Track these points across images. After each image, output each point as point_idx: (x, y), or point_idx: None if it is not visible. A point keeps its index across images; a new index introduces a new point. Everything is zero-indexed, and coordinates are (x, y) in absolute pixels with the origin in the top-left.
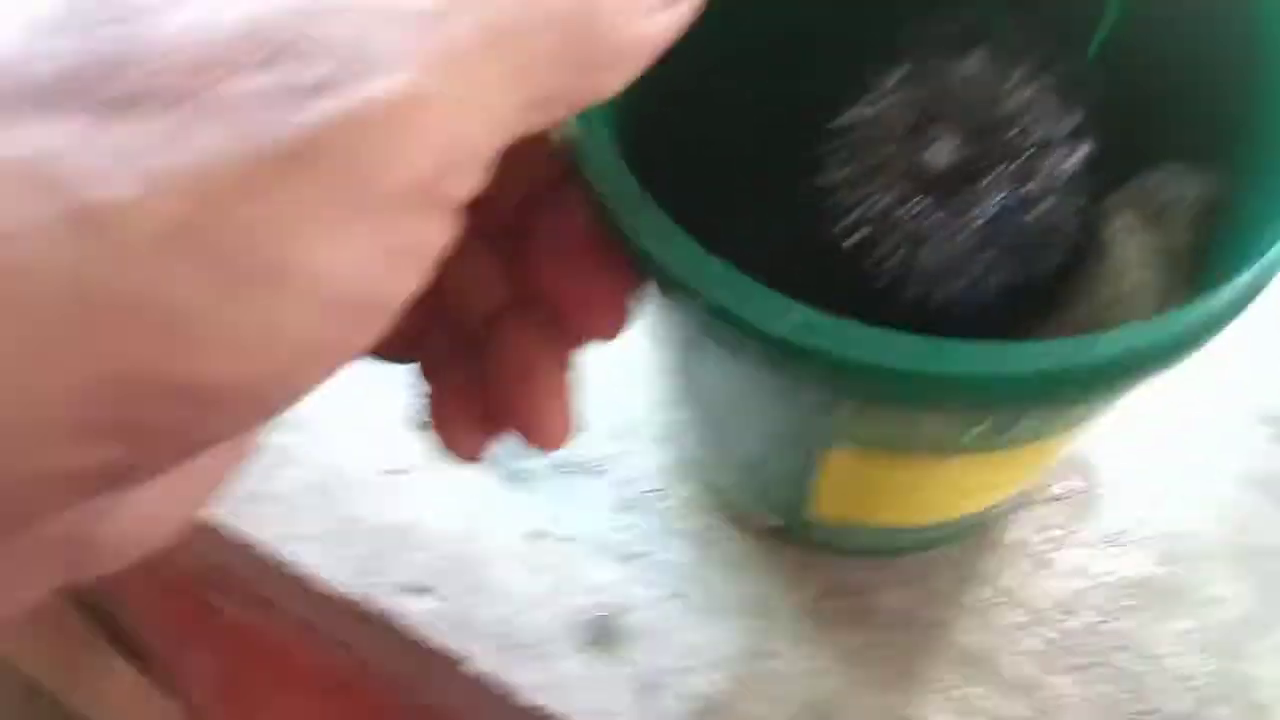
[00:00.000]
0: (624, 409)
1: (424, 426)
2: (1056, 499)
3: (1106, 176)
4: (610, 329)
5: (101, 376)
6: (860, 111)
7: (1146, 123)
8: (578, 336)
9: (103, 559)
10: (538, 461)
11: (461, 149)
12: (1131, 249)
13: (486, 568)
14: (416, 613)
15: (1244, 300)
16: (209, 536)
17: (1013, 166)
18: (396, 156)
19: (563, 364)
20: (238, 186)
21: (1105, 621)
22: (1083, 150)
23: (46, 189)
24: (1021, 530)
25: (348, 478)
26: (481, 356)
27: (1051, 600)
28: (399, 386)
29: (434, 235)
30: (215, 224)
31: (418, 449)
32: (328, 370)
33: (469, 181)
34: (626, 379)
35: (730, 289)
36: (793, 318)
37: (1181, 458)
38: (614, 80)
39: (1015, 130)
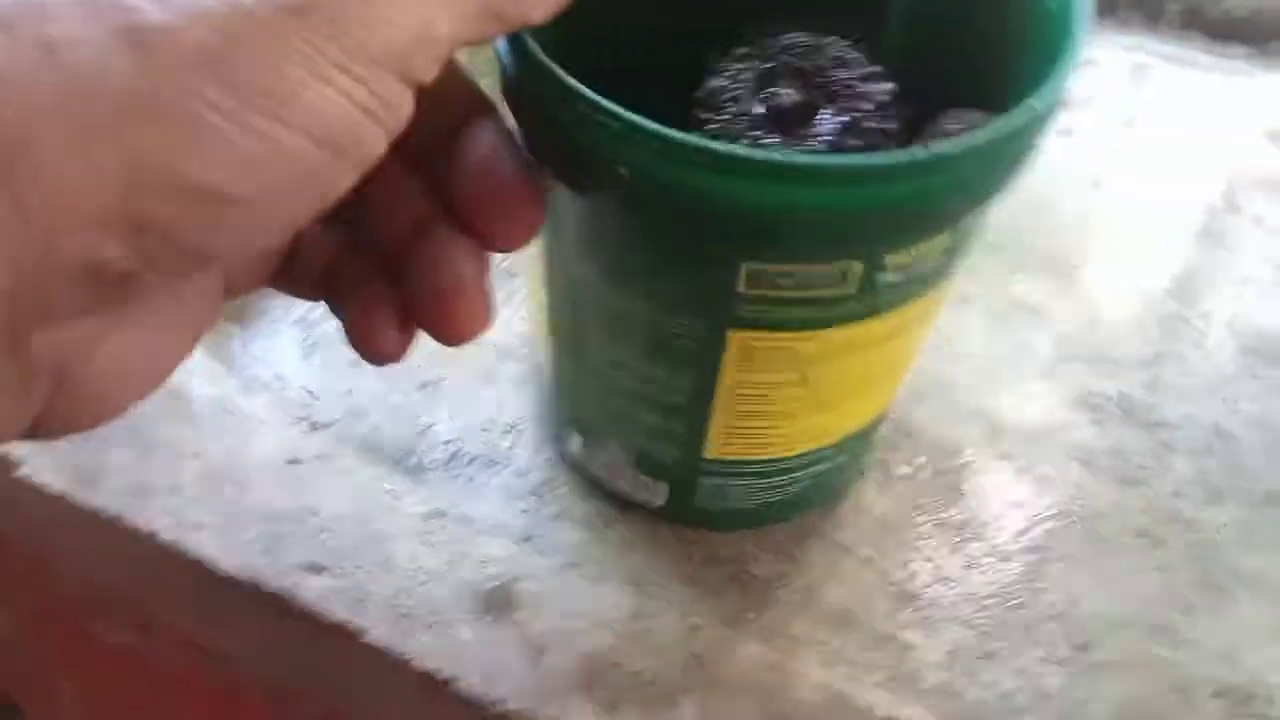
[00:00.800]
0: (520, 405)
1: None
2: (911, 476)
3: (912, 122)
4: (522, 236)
5: (131, 166)
6: (718, 80)
7: (939, 78)
8: (492, 243)
9: (77, 407)
10: (434, 454)
11: (430, 35)
12: None
13: (384, 546)
14: (314, 589)
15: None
16: (103, 532)
17: (837, 104)
18: (380, 26)
19: (479, 267)
20: (258, 29)
21: (952, 584)
22: (887, 88)
23: (109, 10)
24: (880, 505)
25: (244, 470)
26: (401, 270)
27: (904, 566)
28: (293, 385)
29: (402, 102)
30: (237, 56)
31: (314, 443)
32: (310, 201)
33: (431, 67)
34: (520, 376)
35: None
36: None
37: (1032, 435)
38: (547, 5)
39: (834, 78)
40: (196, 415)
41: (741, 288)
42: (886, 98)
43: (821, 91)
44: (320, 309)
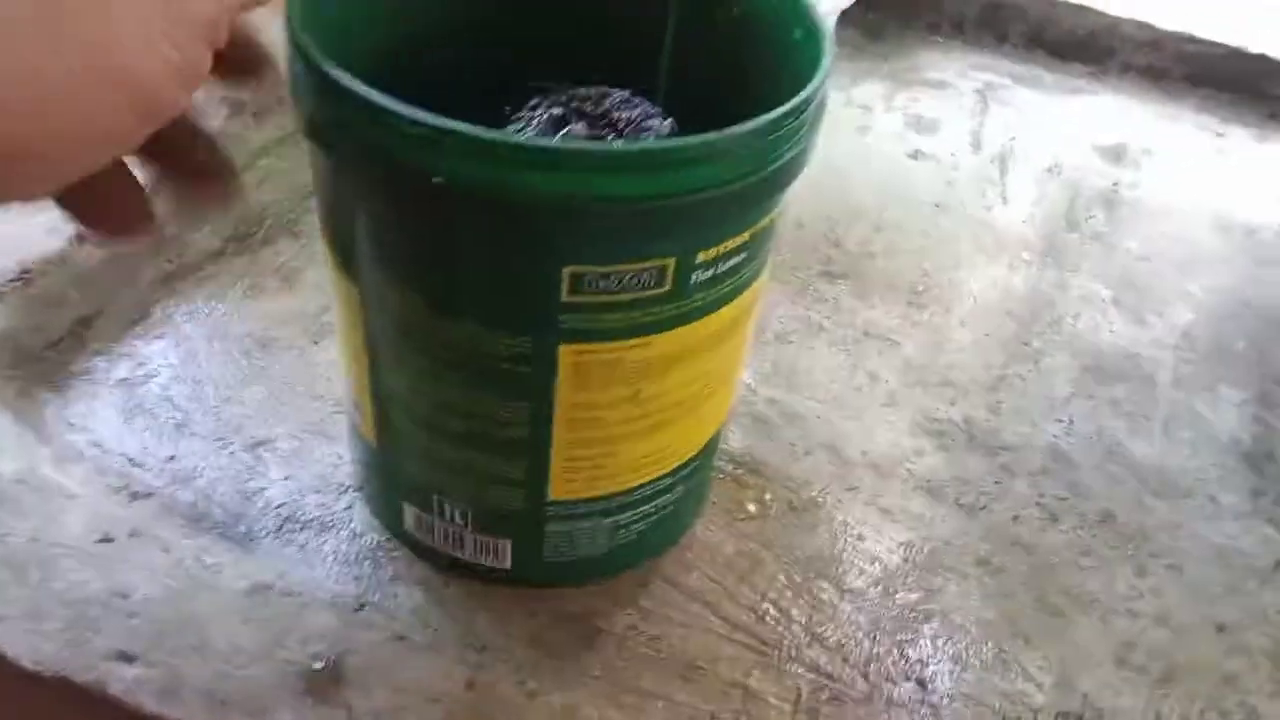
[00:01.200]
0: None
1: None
2: (759, 515)
3: None
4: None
5: None
6: (516, 125)
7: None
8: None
9: None
10: (265, 520)
11: (229, 2)
12: None
13: (201, 627)
14: (124, 680)
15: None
16: None
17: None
18: None
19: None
20: None
21: (799, 626)
22: (666, 124)
23: None
24: (729, 545)
25: (50, 552)
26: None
27: (752, 610)
28: (113, 453)
29: (205, 66)
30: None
31: (132, 515)
32: (104, 155)
33: (222, 34)
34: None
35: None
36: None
37: (880, 465)
38: None
39: (619, 119)
40: (3, 491)
41: (564, 295)
42: (666, 131)
43: (610, 130)
44: (145, 368)
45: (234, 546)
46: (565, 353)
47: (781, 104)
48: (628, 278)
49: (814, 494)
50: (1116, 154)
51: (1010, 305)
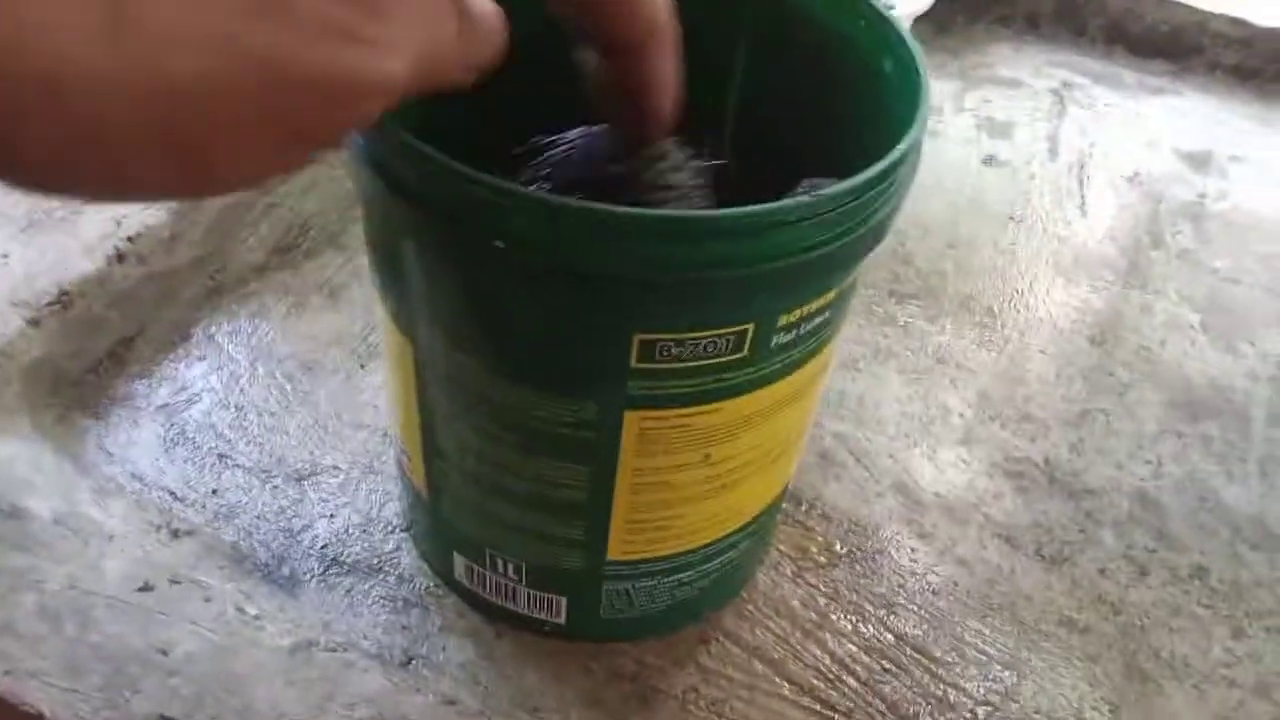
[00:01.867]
0: (403, 499)
1: None
2: (826, 564)
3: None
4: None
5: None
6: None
7: (796, 151)
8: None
9: None
10: (309, 562)
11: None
12: None
13: (244, 688)
14: None
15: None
16: None
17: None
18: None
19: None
20: None
21: (869, 684)
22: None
23: None
24: (793, 597)
25: (88, 601)
26: None
27: (818, 668)
28: (153, 487)
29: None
30: None
31: (172, 557)
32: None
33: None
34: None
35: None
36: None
37: (953, 508)
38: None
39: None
40: (37, 537)
41: (633, 361)
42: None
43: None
44: (187, 392)
45: (277, 591)
46: (631, 419)
47: (865, 141)
48: (703, 344)
49: (884, 540)
50: (1202, 161)
51: (1091, 330)
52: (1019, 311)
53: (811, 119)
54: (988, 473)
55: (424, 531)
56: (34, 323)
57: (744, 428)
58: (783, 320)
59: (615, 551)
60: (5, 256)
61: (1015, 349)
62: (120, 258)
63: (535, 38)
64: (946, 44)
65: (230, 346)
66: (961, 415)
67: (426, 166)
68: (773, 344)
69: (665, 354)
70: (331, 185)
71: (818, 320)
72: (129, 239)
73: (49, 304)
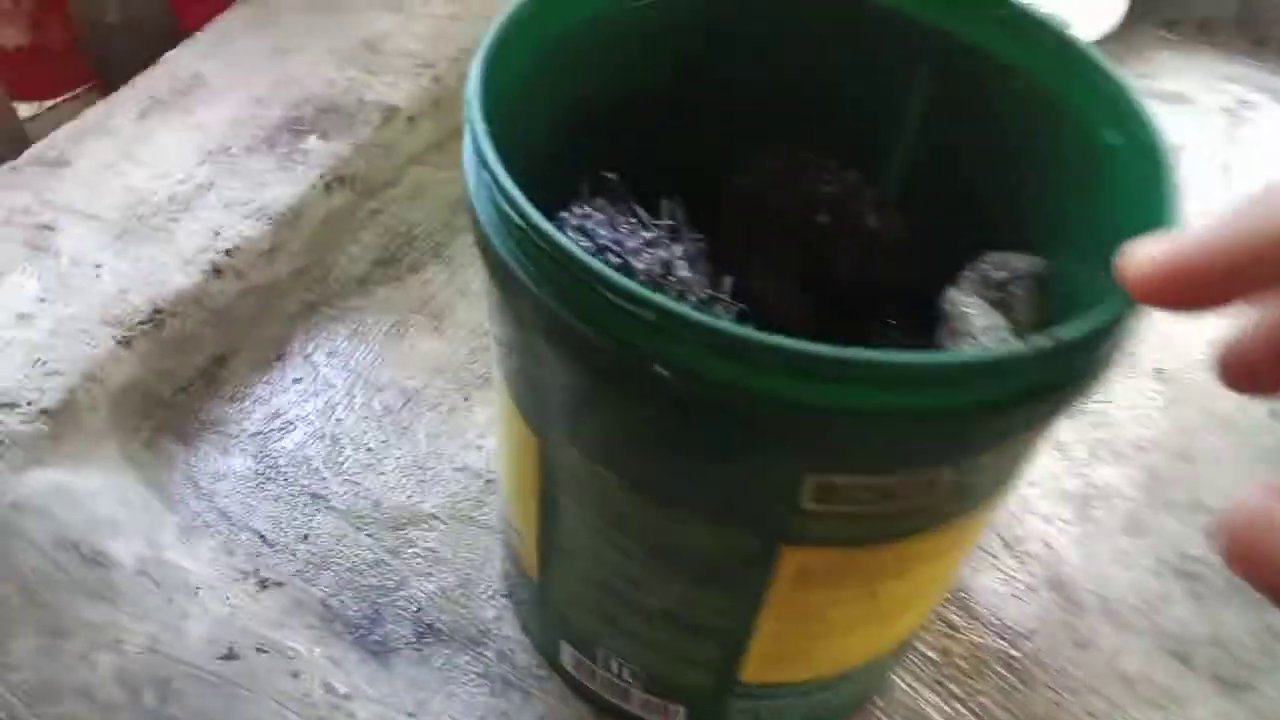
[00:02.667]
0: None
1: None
2: (969, 672)
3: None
4: None
5: None
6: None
7: (979, 219)
8: None
9: None
10: (402, 628)
11: None
12: (978, 324)
13: None
14: None
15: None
16: None
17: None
18: None
19: None
20: None
21: None
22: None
23: None
24: (927, 711)
25: (169, 669)
26: None
27: None
28: (243, 527)
29: None
30: None
31: (259, 614)
32: None
33: None
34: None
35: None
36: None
37: (1117, 614)
38: None
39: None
40: (119, 587)
41: (805, 503)
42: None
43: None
44: (280, 419)
45: (368, 659)
46: (791, 553)
47: (1067, 213)
48: (887, 488)
49: (1037, 648)
50: None
51: (1274, 403)
52: (1192, 373)
53: (998, 175)
54: (1156, 571)
55: (529, 609)
56: (125, 343)
57: (916, 562)
58: (979, 461)
59: (749, 675)
60: (98, 268)
61: (1189, 419)
62: (218, 272)
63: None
64: (1104, 49)
65: (327, 369)
66: (1128, 499)
67: (581, 276)
68: (963, 485)
69: (843, 498)
70: (437, 190)
71: (1018, 456)
72: (227, 252)
73: (141, 323)
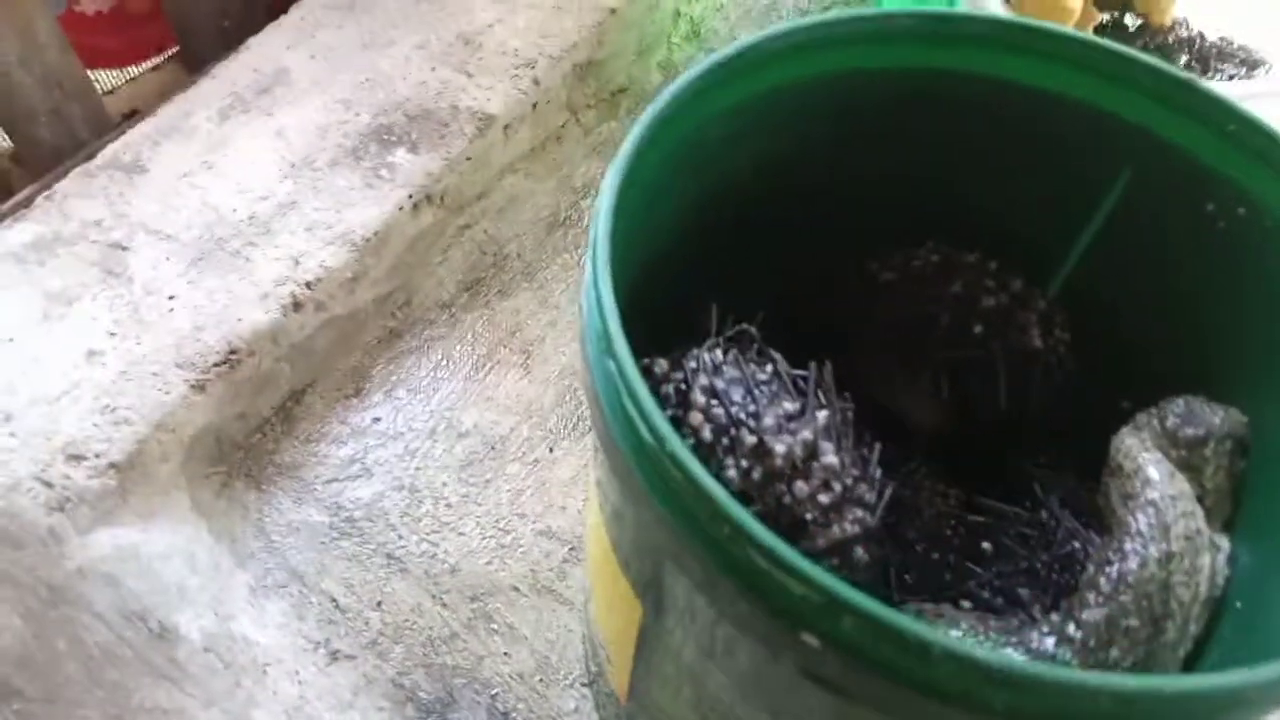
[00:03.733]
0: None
1: None
2: None
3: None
4: None
5: None
6: None
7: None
8: None
9: None
10: (473, 713)
11: None
12: (1160, 491)
13: None
14: None
15: None
16: None
17: None
18: None
19: None
20: None
21: None
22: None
23: None
24: None
25: None
26: None
27: None
28: (315, 589)
29: None
30: None
31: (329, 688)
32: None
33: None
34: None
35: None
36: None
37: None
38: None
39: None
40: (185, 667)
41: None
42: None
43: None
44: (357, 464)
45: None
46: None
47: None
48: None
49: None
50: None
51: None
52: None
53: (1182, 305)
54: None
55: (611, 711)
56: (199, 387)
57: None
58: None
59: None
60: (171, 299)
61: None
62: (298, 306)
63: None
64: None
65: (409, 407)
66: None
67: (730, 532)
68: None
69: None
70: (531, 202)
71: None
72: (308, 284)
73: (216, 364)
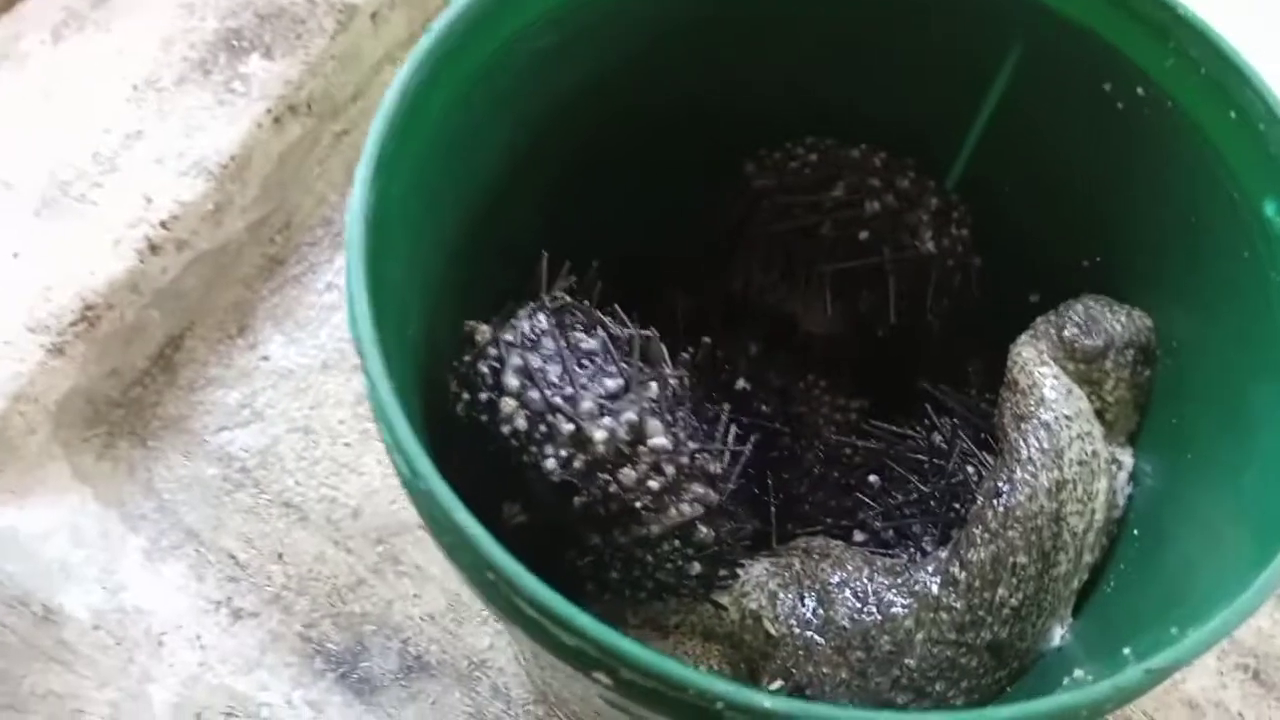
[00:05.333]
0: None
1: None
2: None
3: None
4: None
5: None
6: None
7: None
8: None
9: None
10: (387, 661)
11: None
12: (1054, 412)
13: None
14: None
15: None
16: None
17: None
18: None
19: None
20: None
21: None
22: None
23: None
24: None
25: None
26: None
27: None
28: (213, 546)
29: None
30: None
31: (227, 657)
32: None
33: None
34: None
35: None
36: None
37: None
38: None
39: None
40: (75, 648)
41: None
42: None
43: None
44: (247, 409)
45: (351, 701)
46: None
47: (1170, 261)
48: None
49: None
50: None
51: None
52: None
53: (1081, 194)
54: None
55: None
56: (57, 350)
57: None
58: None
59: None
60: (15, 256)
61: None
62: (154, 249)
63: None
64: None
65: (299, 341)
66: None
67: (510, 588)
68: None
69: None
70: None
71: None
72: (163, 224)
73: (73, 324)
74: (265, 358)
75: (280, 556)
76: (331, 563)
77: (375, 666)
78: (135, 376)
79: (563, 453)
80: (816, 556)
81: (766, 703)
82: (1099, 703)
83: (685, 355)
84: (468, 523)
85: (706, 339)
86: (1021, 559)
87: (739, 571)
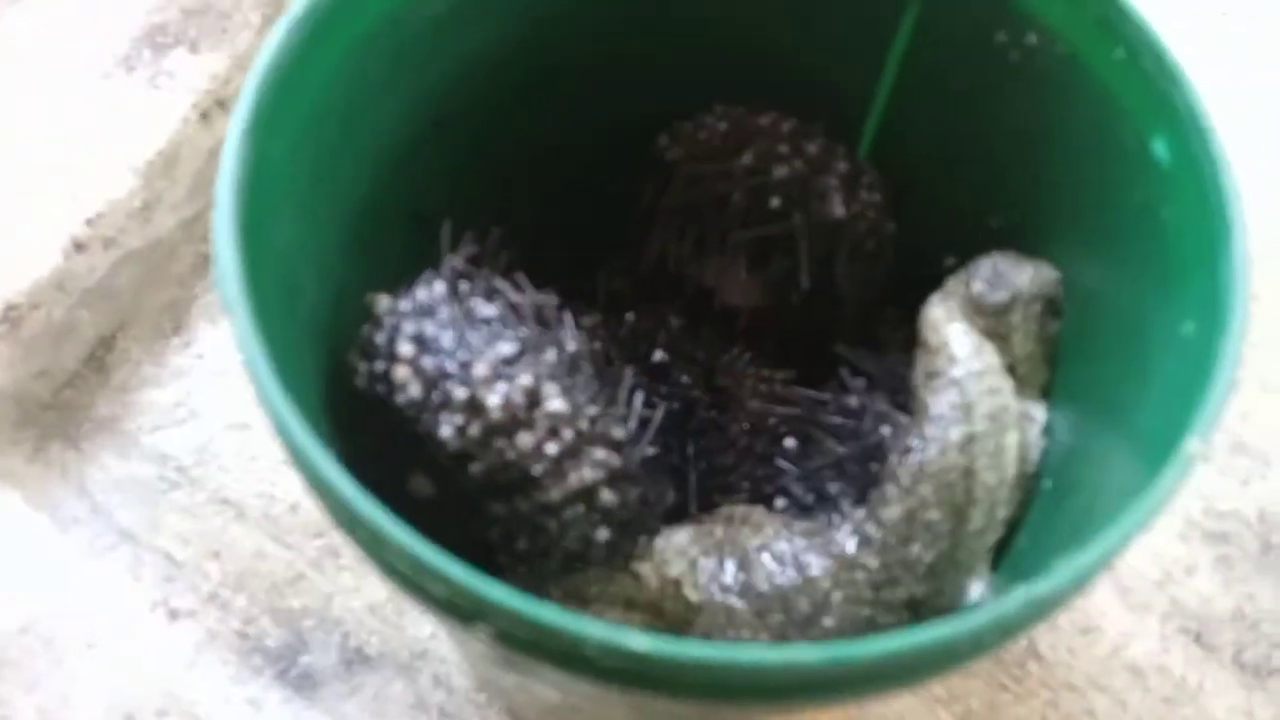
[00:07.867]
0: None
1: None
2: None
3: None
4: None
5: None
6: None
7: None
8: None
9: None
10: (327, 655)
11: None
12: (964, 369)
13: None
14: None
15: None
16: None
17: None
18: None
19: None
20: None
21: None
22: None
23: None
24: None
25: None
26: None
27: None
28: (148, 546)
29: None
30: None
31: (164, 659)
32: None
33: None
34: None
35: None
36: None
37: None
38: None
39: None
40: (5, 652)
41: None
42: None
43: None
44: (183, 407)
45: (291, 697)
46: None
47: (1097, 240)
48: None
49: (1030, 636)
50: None
51: None
52: None
53: (984, 151)
54: (1181, 534)
55: None
56: None
57: None
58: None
59: None
60: None
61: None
62: (79, 247)
63: None
64: None
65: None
66: None
67: (380, 541)
68: None
69: None
70: None
71: None
72: (87, 221)
73: None
74: (200, 356)
75: (217, 554)
76: (270, 558)
77: (315, 661)
78: (66, 378)
79: (458, 419)
80: (738, 523)
81: (634, 644)
82: (978, 633)
83: (588, 321)
84: (324, 464)
85: (629, 314)
86: (934, 514)
87: (654, 540)
